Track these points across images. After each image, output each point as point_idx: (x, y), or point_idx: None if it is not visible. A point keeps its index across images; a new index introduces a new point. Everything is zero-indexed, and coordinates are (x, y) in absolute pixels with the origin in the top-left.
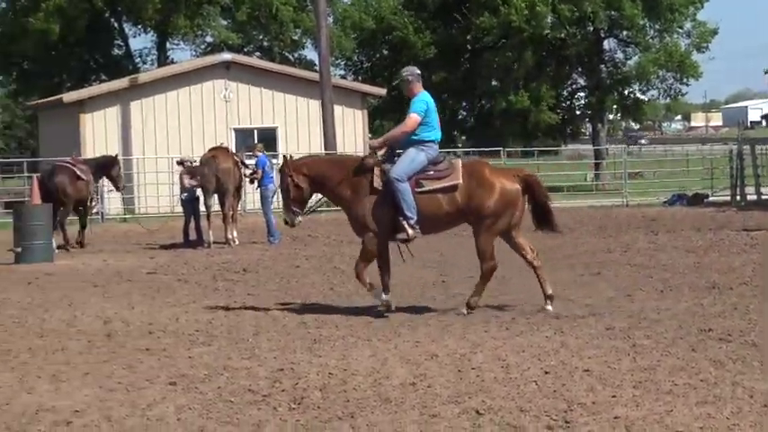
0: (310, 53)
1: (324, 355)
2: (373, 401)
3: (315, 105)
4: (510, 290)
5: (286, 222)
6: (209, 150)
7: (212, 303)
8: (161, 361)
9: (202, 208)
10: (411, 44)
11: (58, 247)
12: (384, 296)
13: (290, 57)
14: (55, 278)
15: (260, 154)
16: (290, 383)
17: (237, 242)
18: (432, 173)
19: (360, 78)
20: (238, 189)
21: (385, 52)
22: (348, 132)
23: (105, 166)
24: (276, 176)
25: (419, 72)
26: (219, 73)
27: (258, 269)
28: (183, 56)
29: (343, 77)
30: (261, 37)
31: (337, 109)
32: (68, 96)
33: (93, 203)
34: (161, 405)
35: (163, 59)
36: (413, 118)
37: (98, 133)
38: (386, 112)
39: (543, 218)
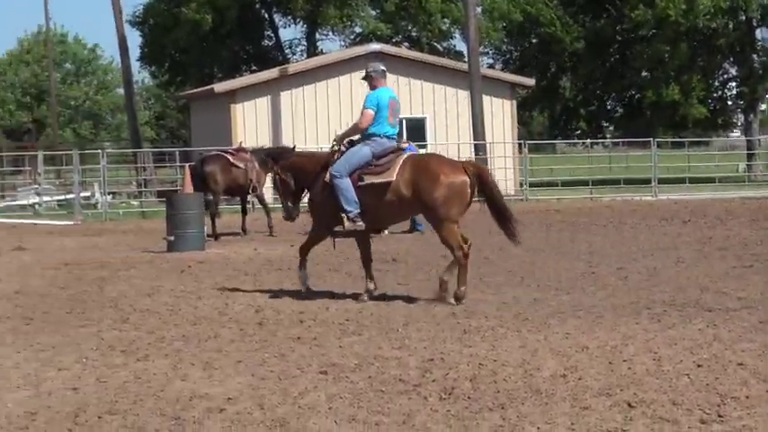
0: (459, 43)
1: (474, 345)
2: (523, 393)
3: (463, 96)
4: (661, 282)
5: (285, 218)
6: None
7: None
8: (312, 350)
9: None
10: (559, 39)
11: (208, 236)
12: (370, 285)
13: (439, 47)
14: (207, 267)
15: (406, 145)
16: (441, 374)
17: (386, 232)
18: (373, 167)
19: (508, 68)
20: None
21: (534, 41)
22: (497, 123)
23: (283, 157)
24: None
25: (383, 68)
26: (369, 62)
27: (407, 259)
28: (333, 46)
29: (492, 67)
30: (409, 27)
31: (486, 99)
32: (220, 87)
33: (257, 192)
34: (312, 393)
35: (312, 50)
36: (365, 114)
37: (248, 123)
38: (535, 103)
39: (498, 215)
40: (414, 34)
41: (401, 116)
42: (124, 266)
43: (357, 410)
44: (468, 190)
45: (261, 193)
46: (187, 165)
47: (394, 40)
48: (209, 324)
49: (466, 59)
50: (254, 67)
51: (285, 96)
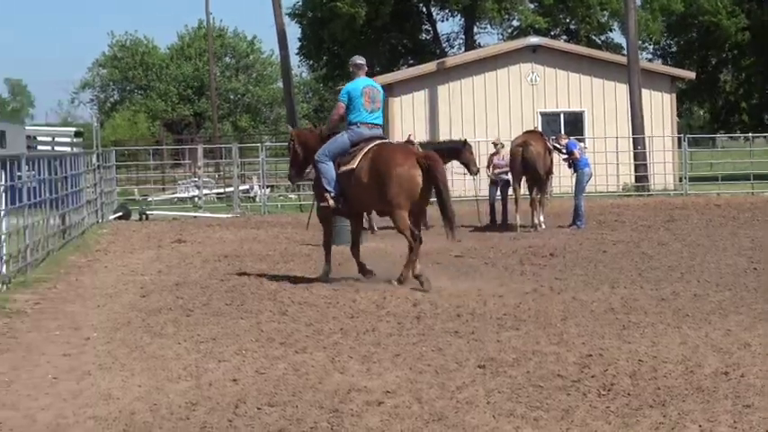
0: (617, 36)
1: (633, 341)
2: (684, 390)
3: (622, 89)
4: None
5: (288, 178)
6: (522, 134)
7: (519, 287)
8: (470, 344)
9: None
10: (724, 27)
11: (365, 229)
12: (328, 269)
13: (597, 40)
14: (364, 260)
15: (565, 140)
16: (600, 369)
17: (544, 226)
18: (346, 156)
19: (667, 62)
20: (548, 174)
21: (693, 35)
22: (656, 116)
23: (454, 151)
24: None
25: (359, 61)
26: (526, 56)
27: (565, 254)
28: (490, 40)
29: (650, 61)
30: (567, 20)
31: (645, 93)
32: (377, 80)
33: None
34: (470, 388)
35: (470, 44)
36: (336, 106)
37: (406, 117)
38: (695, 96)
39: (441, 209)
40: (572, 27)
41: (561, 110)
42: (282, 259)
43: (515, 405)
44: (417, 179)
45: None
46: None
47: (552, 34)
48: (367, 317)
49: (625, 52)
50: (411, 61)
51: (442, 90)
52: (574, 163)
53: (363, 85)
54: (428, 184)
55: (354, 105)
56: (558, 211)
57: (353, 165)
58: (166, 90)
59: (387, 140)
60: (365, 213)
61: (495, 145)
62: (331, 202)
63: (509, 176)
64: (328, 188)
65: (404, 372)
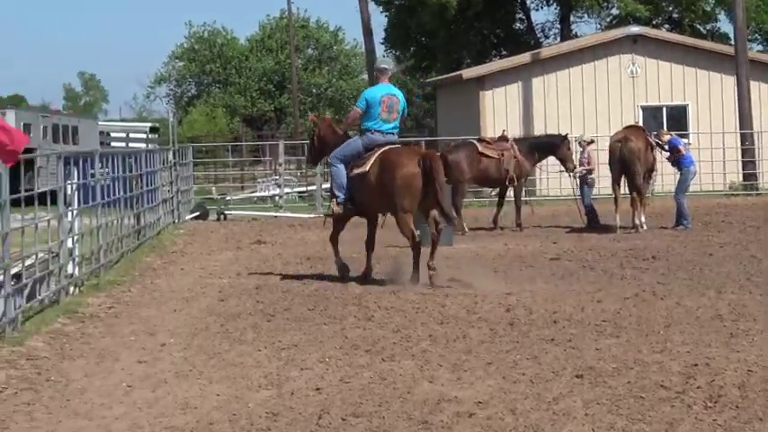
0: (724, 25)
1: (741, 350)
2: None
3: (729, 82)
4: None
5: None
6: (622, 129)
7: (620, 292)
8: (567, 352)
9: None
10: None
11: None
12: (342, 262)
13: (702, 29)
14: (453, 262)
15: (667, 137)
16: (706, 380)
17: (645, 227)
18: (360, 160)
19: None
20: (650, 171)
21: None
22: (765, 110)
23: (551, 146)
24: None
25: (384, 66)
26: (626, 47)
27: (668, 256)
28: (588, 30)
29: (760, 51)
30: (670, 8)
31: (753, 85)
32: (468, 72)
33: (516, 183)
34: (567, 399)
35: (566, 33)
36: (352, 112)
37: (498, 111)
38: None
39: (434, 201)
40: (675, 16)
41: (663, 103)
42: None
43: (616, 418)
44: (418, 181)
45: (519, 186)
46: None
47: (654, 23)
48: (458, 323)
49: (732, 42)
50: (504, 52)
51: (537, 83)
52: (677, 161)
53: (383, 93)
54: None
55: (371, 113)
56: (660, 211)
57: (366, 168)
58: (246, 84)
59: (398, 145)
60: (457, 213)
61: (581, 143)
62: (336, 208)
63: (592, 175)
64: (337, 193)
65: (497, 381)
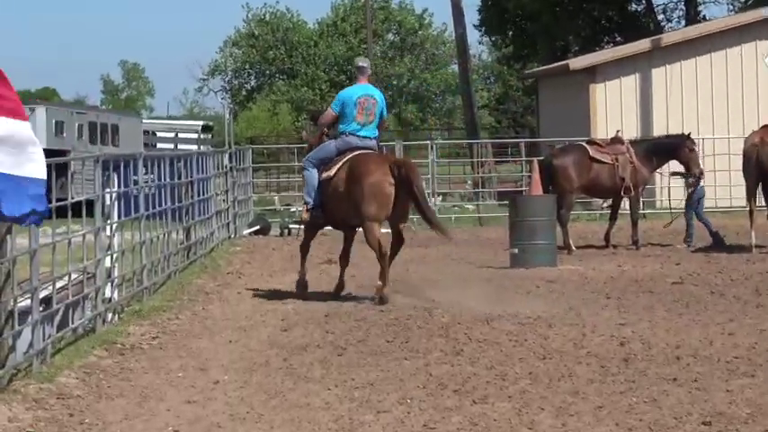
0: None
1: None
2: None
3: None
4: None
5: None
6: (759, 130)
7: (755, 323)
8: (692, 394)
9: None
10: None
11: (559, 248)
12: (304, 278)
13: None
14: (559, 286)
15: None
16: None
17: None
18: (330, 163)
19: None
20: None
21: None
22: None
23: (672, 148)
24: None
25: (362, 64)
26: (764, 32)
27: None
28: (718, 12)
29: None
30: None
31: None
32: (576, 62)
33: (633, 193)
34: None
35: (692, 16)
36: (324, 113)
37: (612, 107)
38: None
39: (418, 209)
40: None
41: None
42: (457, 285)
43: None
44: (387, 189)
45: (635, 196)
46: (535, 159)
47: None
48: (563, 359)
49: None
50: (618, 38)
51: (657, 73)
52: None
53: (359, 95)
54: (403, 193)
55: (346, 115)
56: None
57: (331, 173)
58: (314, 75)
59: (371, 151)
60: (562, 229)
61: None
62: (305, 215)
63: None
64: (307, 198)
65: (609, 428)
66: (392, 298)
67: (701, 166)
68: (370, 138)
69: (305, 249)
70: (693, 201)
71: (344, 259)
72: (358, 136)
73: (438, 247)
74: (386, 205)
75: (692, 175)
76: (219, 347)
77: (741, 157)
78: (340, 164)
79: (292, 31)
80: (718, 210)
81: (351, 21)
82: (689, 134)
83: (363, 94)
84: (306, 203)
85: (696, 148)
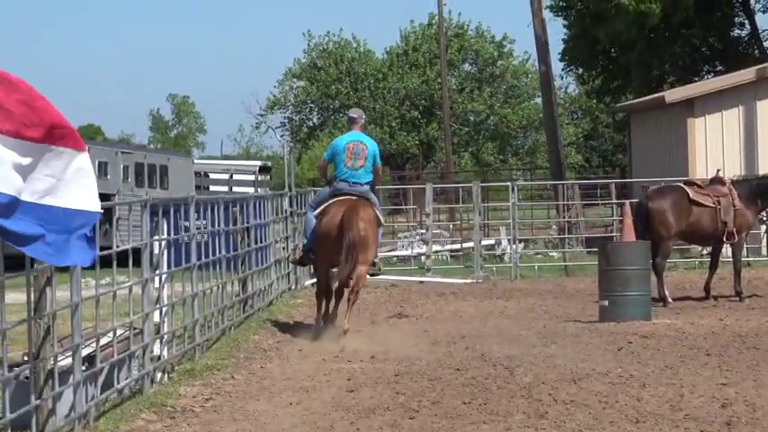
0: None
1: None
2: None
3: None
4: None
5: None
6: None
7: None
8: None
9: None
10: None
11: (654, 300)
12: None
13: None
14: (653, 342)
15: None
16: None
17: None
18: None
19: None
20: None
21: None
22: None
23: None
24: None
25: (353, 115)
26: None
27: None
28: None
29: None
30: None
31: None
32: (672, 94)
33: (736, 239)
34: None
35: None
36: (320, 160)
37: (712, 143)
38: None
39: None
40: None
41: None
42: (541, 341)
43: None
44: (334, 232)
45: (739, 242)
46: (627, 201)
47: None
48: (658, 423)
49: None
50: (719, 68)
51: (763, 106)
52: None
53: (347, 141)
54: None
55: (337, 162)
56: None
57: (318, 215)
58: (383, 110)
59: (355, 197)
60: (658, 279)
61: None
62: (296, 255)
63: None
64: (304, 239)
65: None
66: (468, 355)
67: None
68: (360, 183)
69: (320, 298)
70: None
71: (338, 294)
72: (348, 182)
73: (520, 300)
74: (323, 249)
75: None
76: (279, 410)
77: None
78: (321, 208)
79: (358, 62)
80: None
81: (423, 50)
82: None
83: (352, 140)
84: (303, 244)
85: None
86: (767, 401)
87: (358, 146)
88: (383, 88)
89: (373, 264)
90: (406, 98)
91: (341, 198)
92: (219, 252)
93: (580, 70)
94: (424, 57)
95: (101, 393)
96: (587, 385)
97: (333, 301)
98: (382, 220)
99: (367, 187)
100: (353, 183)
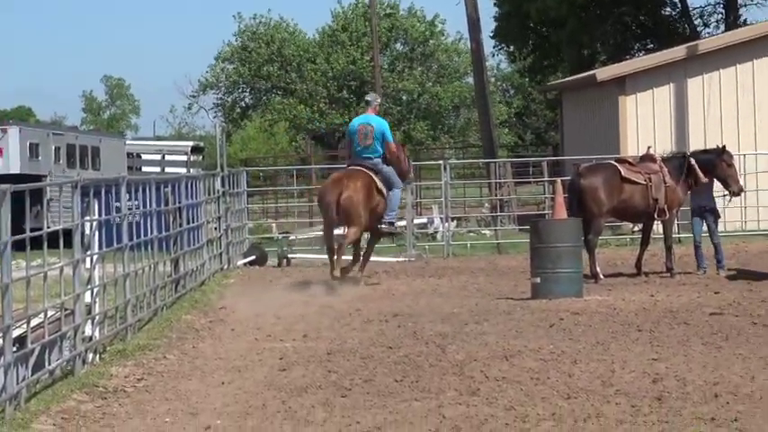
0: None
1: None
2: None
3: None
4: None
5: None
6: None
7: None
8: None
9: None
10: None
11: (586, 276)
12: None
13: None
14: (585, 318)
15: None
16: None
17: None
18: None
19: None
20: None
21: None
22: None
23: (706, 165)
24: None
25: (367, 99)
26: None
27: None
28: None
29: None
30: None
31: None
32: (603, 72)
33: (667, 216)
34: None
35: (732, 20)
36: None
37: (643, 121)
38: None
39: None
40: None
41: None
42: (473, 319)
43: None
44: (329, 207)
45: (670, 219)
46: (558, 179)
47: None
48: (589, 398)
49: None
50: (650, 46)
51: (694, 84)
52: None
53: (359, 123)
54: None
55: (353, 142)
56: None
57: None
58: (314, 91)
59: (360, 168)
60: (589, 256)
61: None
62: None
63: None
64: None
65: None
66: (400, 333)
67: (740, 182)
68: (370, 158)
69: (329, 255)
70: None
71: (355, 256)
72: (360, 157)
73: (452, 278)
74: (324, 211)
75: (731, 194)
76: (211, 389)
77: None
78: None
79: (288, 43)
80: (762, 233)
81: (353, 29)
82: (723, 147)
83: (362, 122)
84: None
85: (734, 164)
86: (697, 376)
87: (366, 127)
88: (314, 69)
89: (387, 224)
90: (336, 78)
91: (348, 169)
92: (151, 232)
93: (511, 48)
94: (354, 36)
95: (32, 374)
96: (519, 362)
97: (336, 256)
98: (381, 187)
99: (378, 160)
100: (365, 157)
